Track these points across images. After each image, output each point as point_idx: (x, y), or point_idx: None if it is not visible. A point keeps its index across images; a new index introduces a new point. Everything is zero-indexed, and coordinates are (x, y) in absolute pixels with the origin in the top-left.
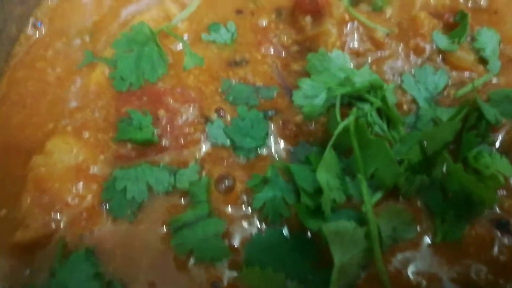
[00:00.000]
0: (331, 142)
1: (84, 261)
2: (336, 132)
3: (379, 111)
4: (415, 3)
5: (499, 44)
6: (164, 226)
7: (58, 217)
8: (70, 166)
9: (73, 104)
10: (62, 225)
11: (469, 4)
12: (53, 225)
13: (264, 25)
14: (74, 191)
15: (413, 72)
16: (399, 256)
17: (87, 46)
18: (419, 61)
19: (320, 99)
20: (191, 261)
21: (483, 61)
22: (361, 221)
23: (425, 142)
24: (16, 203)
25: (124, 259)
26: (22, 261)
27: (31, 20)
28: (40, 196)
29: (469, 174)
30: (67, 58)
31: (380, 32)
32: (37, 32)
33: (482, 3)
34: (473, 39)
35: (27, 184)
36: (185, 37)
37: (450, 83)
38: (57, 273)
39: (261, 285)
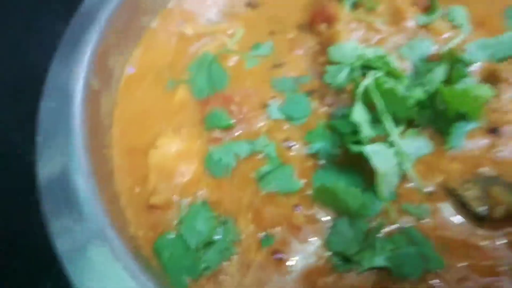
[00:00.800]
0: (358, 97)
1: (201, 208)
2: (360, 88)
3: (388, 72)
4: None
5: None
6: (251, 176)
7: (176, 185)
8: (175, 152)
9: (169, 113)
10: (181, 190)
11: None
12: (173, 191)
13: (292, 37)
14: (183, 166)
15: (407, 44)
16: (423, 165)
17: (167, 76)
18: (409, 36)
19: (343, 74)
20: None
21: (456, 27)
22: (390, 146)
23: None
24: (145, 182)
25: (228, 202)
26: (158, 218)
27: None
28: (160, 174)
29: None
30: (157, 85)
31: (377, 23)
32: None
33: None
34: (445, 15)
35: (150, 168)
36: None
37: (435, 46)
38: (184, 221)
39: (332, 197)
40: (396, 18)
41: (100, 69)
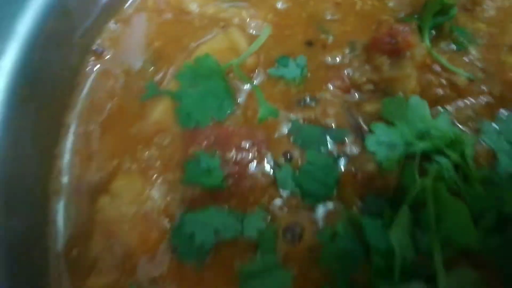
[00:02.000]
0: (407, 201)
1: None
2: (414, 191)
3: (456, 166)
4: (504, 43)
5: None
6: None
7: (129, 263)
8: (139, 209)
9: (137, 141)
10: (133, 271)
11: None
12: (124, 271)
13: (337, 61)
14: (143, 235)
15: (498, 123)
16: None
17: (149, 76)
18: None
19: (396, 150)
20: None
21: None
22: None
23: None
24: (87, 243)
25: None
26: None
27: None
28: (109, 240)
29: None
30: (129, 89)
31: (463, 77)
32: (99, 62)
33: None
34: None
35: (96, 226)
36: (256, 73)
37: None
38: None
39: None
40: (494, 75)
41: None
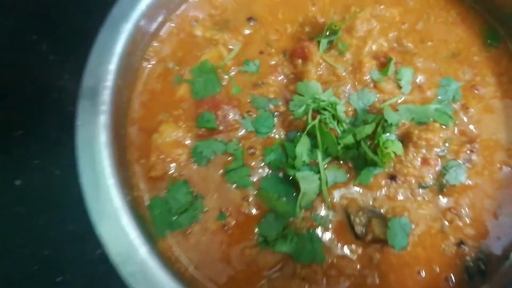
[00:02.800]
0: (305, 132)
1: (182, 185)
2: (308, 126)
3: (333, 116)
4: (363, 50)
5: (412, 76)
6: (221, 170)
7: (170, 165)
8: (172, 140)
9: (172, 106)
10: (171, 168)
11: (399, 47)
12: (167, 168)
13: (275, 62)
14: (176, 151)
15: (356, 93)
16: (336, 190)
17: (176, 71)
18: (361, 87)
19: (302, 108)
20: (233, 186)
21: (400, 87)
22: (316, 172)
23: (356, 133)
24: (148, 158)
25: (201, 184)
26: (154, 185)
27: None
28: (159, 155)
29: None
30: (167, 79)
31: (340, 69)
32: (150, 64)
33: (407, 46)
34: (396, 72)
35: (152, 149)
36: (233, 68)
37: (376, 100)
38: (170, 190)
39: (268, 199)
40: (356, 68)
41: (124, 68)
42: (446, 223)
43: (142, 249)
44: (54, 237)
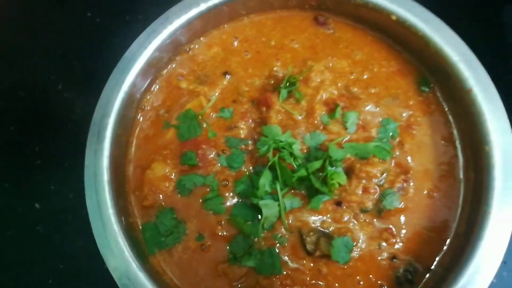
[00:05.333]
0: (267, 166)
1: (169, 212)
2: (270, 162)
3: (290, 153)
4: (316, 98)
5: (357, 118)
6: (200, 199)
7: (159, 196)
8: (161, 174)
9: (162, 147)
10: (160, 198)
11: (347, 93)
12: (157, 198)
13: (245, 109)
14: (164, 184)
15: (309, 134)
16: (292, 214)
17: (165, 118)
18: (313, 129)
19: (266, 147)
20: (210, 212)
21: (346, 127)
22: (276, 200)
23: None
24: (142, 189)
25: (184, 211)
26: (146, 212)
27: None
28: (151, 186)
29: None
30: (157, 124)
31: (296, 115)
32: (142, 115)
33: (353, 92)
34: (343, 116)
35: (145, 182)
36: (211, 114)
37: (326, 139)
38: (158, 216)
39: (237, 223)
40: (309, 114)
41: (122, 120)
42: (382, 241)
43: (134, 265)
44: (68, 252)
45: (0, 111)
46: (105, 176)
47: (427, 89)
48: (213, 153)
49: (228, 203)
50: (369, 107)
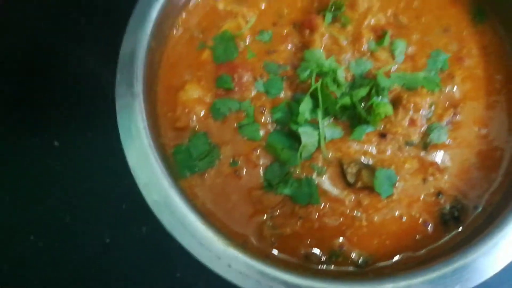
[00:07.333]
0: (308, 92)
1: (202, 136)
2: (312, 88)
3: (333, 80)
4: (363, 23)
5: (406, 47)
6: (235, 124)
7: (192, 118)
8: (195, 97)
9: (196, 68)
10: (194, 121)
11: (395, 22)
12: (190, 120)
13: (286, 32)
14: (198, 107)
15: (355, 61)
16: (332, 144)
17: (200, 39)
18: (359, 55)
19: (308, 72)
20: (245, 138)
21: (394, 57)
22: (316, 128)
23: (353, 95)
24: (174, 111)
25: (218, 136)
26: (178, 134)
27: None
28: (184, 109)
29: (365, 112)
30: (193, 44)
31: (342, 39)
32: (177, 32)
33: (402, 21)
34: (391, 44)
35: (178, 104)
36: (248, 37)
37: (372, 67)
38: (191, 140)
39: (274, 150)
40: (356, 39)
41: (157, 33)
42: (428, 176)
43: (165, 182)
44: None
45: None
46: (138, 91)
47: (482, 20)
48: (250, 78)
49: (264, 131)
50: (418, 37)
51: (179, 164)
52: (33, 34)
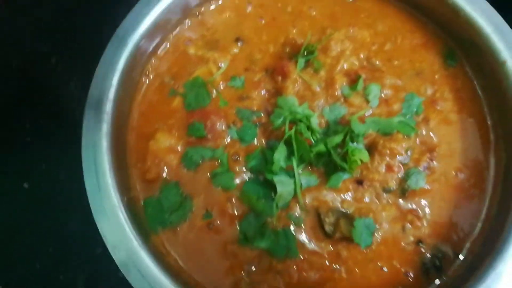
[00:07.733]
0: (282, 140)
1: (174, 186)
2: (286, 135)
3: (307, 127)
4: (336, 68)
5: (380, 91)
6: (208, 173)
7: (163, 169)
8: (166, 146)
9: (167, 115)
10: (165, 171)
11: (368, 65)
12: (161, 171)
13: (258, 78)
14: (169, 157)
15: (328, 107)
16: (309, 193)
17: (171, 85)
18: (332, 101)
19: (281, 119)
20: (219, 188)
21: (368, 101)
22: (291, 177)
23: (328, 142)
24: (144, 161)
25: (190, 186)
26: (148, 186)
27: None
28: (154, 158)
29: (340, 159)
30: (163, 91)
31: (315, 85)
32: (147, 79)
33: (375, 64)
34: (365, 88)
35: (148, 153)
36: (221, 83)
37: (346, 113)
38: (162, 191)
39: (249, 200)
40: (329, 85)
41: (125, 81)
42: (407, 223)
43: (134, 242)
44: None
45: None
46: (105, 143)
47: (454, 63)
48: (223, 125)
49: (238, 179)
50: (391, 81)
51: (150, 218)
52: (4, 73)
